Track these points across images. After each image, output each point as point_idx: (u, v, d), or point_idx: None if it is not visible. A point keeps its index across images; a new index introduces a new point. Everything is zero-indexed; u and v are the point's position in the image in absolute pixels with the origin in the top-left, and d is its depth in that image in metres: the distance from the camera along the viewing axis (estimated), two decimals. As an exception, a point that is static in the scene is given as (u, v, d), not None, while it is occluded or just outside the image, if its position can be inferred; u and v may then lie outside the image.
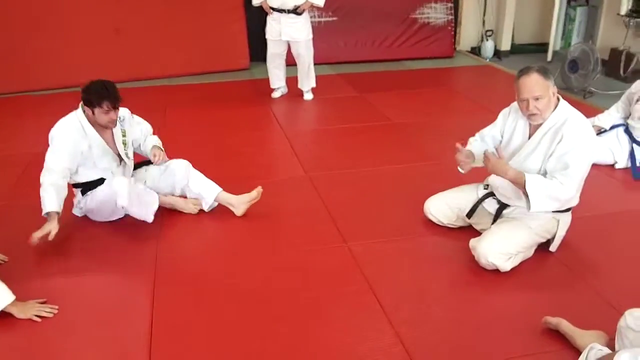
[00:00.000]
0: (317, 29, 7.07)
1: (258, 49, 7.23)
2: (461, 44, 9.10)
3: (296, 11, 6.07)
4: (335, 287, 3.07)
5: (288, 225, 3.66)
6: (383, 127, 5.63)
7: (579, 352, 2.43)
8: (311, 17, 6.55)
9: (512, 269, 3.10)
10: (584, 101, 6.30)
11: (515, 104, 3.22)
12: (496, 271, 3.09)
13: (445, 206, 3.55)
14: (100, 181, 3.61)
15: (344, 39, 8.29)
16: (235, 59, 7.97)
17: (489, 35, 8.76)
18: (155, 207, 3.59)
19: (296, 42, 6.27)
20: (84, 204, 3.69)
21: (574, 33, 8.48)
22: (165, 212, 3.67)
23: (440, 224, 3.58)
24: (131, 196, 3.44)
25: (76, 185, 3.67)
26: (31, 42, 7.09)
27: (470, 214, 3.45)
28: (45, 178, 3.37)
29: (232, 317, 2.86)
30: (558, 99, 3.09)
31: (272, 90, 6.75)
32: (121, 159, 3.67)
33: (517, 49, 8.91)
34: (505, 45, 8.83)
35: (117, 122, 3.56)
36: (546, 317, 2.67)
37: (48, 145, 3.23)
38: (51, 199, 3.29)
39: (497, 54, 8.77)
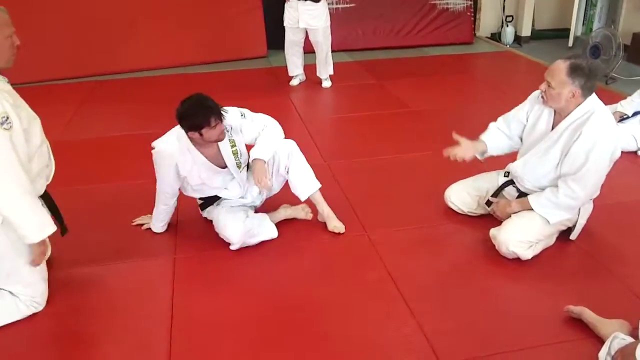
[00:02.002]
0: (334, 16, 7.03)
1: (276, 37, 7.21)
2: (481, 30, 9.01)
3: (314, -2, 6.05)
4: (356, 276, 3.07)
5: (307, 214, 3.65)
6: (402, 115, 5.60)
7: (602, 341, 2.42)
8: (329, 4, 6.51)
9: (533, 258, 3.08)
10: (606, 87, 6.21)
11: None
12: (517, 260, 3.07)
13: (466, 194, 3.52)
14: (216, 197, 3.48)
15: (361, 26, 8.24)
16: (253, 47, 7.96)
17: (509, 21, 8.67)
18: (263, 238, 3.40)
19: (314, 30, 6.24)
20: (206, 213, 3.57)
21: (595, 18, 8.35)
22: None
23: (461, 212, 3.56)
24: (242, 240, 3.30)
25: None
26: (49, 34, 7.12)
27: (489, 202, 3.42)
28: (157, 200, 3.45)
29: (251, 305, 2.87)
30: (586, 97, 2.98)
31: (290, 78, 6.75)
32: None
33: (537, 35, 8.80)
34: (526, 31, 8.73)
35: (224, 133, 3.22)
36: (569, 306, 2.64)
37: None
38: (157, 224, 3.54)
39: (518, 39, 8.68)
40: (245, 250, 3.33)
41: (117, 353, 2.59)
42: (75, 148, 4.99)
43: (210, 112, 3.02)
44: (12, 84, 2.89)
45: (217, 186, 3.40)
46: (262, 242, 3.38)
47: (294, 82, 6.74)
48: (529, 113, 3.30)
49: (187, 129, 3.07)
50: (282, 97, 6.28)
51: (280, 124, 3.49)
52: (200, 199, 3.53)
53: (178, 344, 2.62)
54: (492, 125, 3.48)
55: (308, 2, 6.07)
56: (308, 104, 6.25)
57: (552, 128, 3.12)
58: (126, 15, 7.37)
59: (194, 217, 3.64)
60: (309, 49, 6.54)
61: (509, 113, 3.42)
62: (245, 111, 3.39)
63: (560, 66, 2.91)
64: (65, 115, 5.82)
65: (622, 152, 4.12)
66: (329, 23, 6.30)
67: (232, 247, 3.30)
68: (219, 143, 3.23)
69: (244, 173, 3.45)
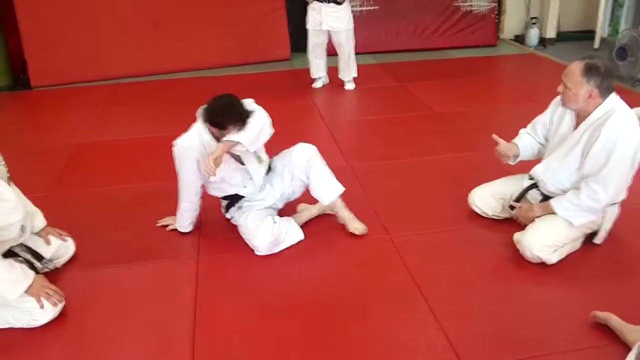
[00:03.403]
0: (357, 18, 7.02)
1: (299, 39, 7.22)
2: (505, 32, 8.94)
3: (337, 0, 6.05)
4: (378, 279, 3.06)
5: (329, 216, 3.64)
6: (425, 117, 5.58)
7: (628, 348, 2.38)
8: (352, 6, 6.50)
9: (558, 262, 3.05)
10: (633, 89, 6.14)
11: None
12: (542, 264, 3.04)
13: (490, 197, 3.50)
14: (237, 196, 3.49)
15: (385, 28, 8.23)
16: (276, 50, 7.97)
17: (534, 23, 8.59)
18: (290, 244, 3.41)
19: (337, 32, 6.25)
20: (233, 213, 3.55)
21: (622, 19, 8.24)
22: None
23: (485, 215, 3.53)
24: (270, 248, 3.32)
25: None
26: (71, 36, 7.22)
27: (513, 207, 3.40)
28: (180, 198, 3.48)
29: (273, 307, 2.88)
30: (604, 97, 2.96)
31: (313, 80, 6.75)
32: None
33: (562, 37, 8.71)
34: (551, 33, 8.64)
35: None
36: (595, 311, 2.61)
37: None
38: (179, 223, 3.56)
39: (542, 42, 8.59)
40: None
41: (140, 354, 2.61)
42: (99, 150, 5.05)
43: (233, 119, 3.07)
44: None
45: (236, 184, 3.41)
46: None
47: (317, 85, 6.74)
48: (552, 116, 3.29)
49: (211, 123, 3.14)
50: (305, 100, 6.29)
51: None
52: (224, 198, 3.54)
53: (201, 345, 2.63)
54: (521, 130, 3.49)
55: (331, 4, 6.08)
56: (331, 107, 6.25)
57: (574, 130, 3.10)
58: (149, 18, 7.42)
59: (217, 218, 3.66)
60: (332, 52, 6.54)
61: (536, 118, 3.42)
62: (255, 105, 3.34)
63: (576, 67, 2.92)
64: (90, 118, 5.89)
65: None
66: (352, 25, 6.30)
67: (257, 253, 3.32)
68: None
69: (262, 170, 3.44)
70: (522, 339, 2.58)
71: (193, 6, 7.55)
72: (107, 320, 2.82)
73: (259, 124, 3.19)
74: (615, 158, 2.87)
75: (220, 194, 3.52)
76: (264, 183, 3.49)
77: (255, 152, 3.31)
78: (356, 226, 3.47)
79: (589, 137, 2.97)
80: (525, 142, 3.42)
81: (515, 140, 3.44)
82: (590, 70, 2.87)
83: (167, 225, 3.62)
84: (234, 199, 3.50)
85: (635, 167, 3.01)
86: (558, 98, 3.24)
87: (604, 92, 2.91)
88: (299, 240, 3.42)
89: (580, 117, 3.08)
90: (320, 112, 5.86)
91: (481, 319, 2.72)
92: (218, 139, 3.18)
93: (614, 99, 2.96)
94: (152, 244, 3.47)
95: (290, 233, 3.40)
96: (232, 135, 3.10)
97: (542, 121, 3.36)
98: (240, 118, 3.09)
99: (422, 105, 5.91)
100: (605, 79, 2.89)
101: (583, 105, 2.96)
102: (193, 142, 3.24)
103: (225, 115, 3.10)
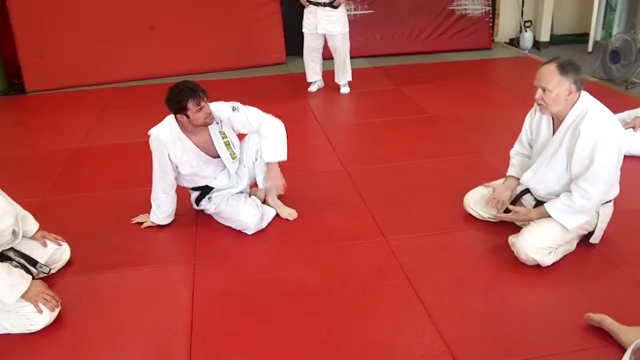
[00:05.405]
0: (353, 22, 7.04)
1: (294, 43, 7.24)
2: (499, 36, 8.98)
3: (332, 4, 6.07)
4: (374, 282, 3.07)
5: (326, 219, 3.66)
6: (421, 120, 5.59)
7: (623, 349, 2.39)
8: (347, 10, 6.53)
9: (553, 263, 3.06)
10: (626, 92, 6.17)
11: None
12: (537, 266, 3.05)
13: (485, 200, 3.51)
14: (207, 188, 3.62)
15: (380, 31, 8.26)
16: (272, 54, 8.00)
17: (528, 26, 8.63)
18: (269, 219, 3.64)
19: (332, 36, 6.27)
20: (204, 205, 3.66)
21: (615, 23, 8.28)
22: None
23: (481, 217, 3.55)
24: (259, 224, 3.54)
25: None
26: (67, 40, 7.23)
27: (507, 210, 3.41)
28: (153, 190, 3.56)
29: (270, 310, 2.88)
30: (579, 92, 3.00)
31: (309, 84, 6.77)
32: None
33: (556, 40, 8.76)
34: (545, 36, 8.68)
35: (213, 121, 3.39)
36: (588, 313, 2.62)
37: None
38: (155, 215, 3.61)
39: (536, 45, 8.64)
40: (264, 256, 3.36)
41: (137, 359, 2.61)
42: (95, 154, 5.05)
43: (191, 92, 3.21)
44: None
45: (207, 175, 3.54)
46: (283, 249, 3.42)
47: (313, 89, 6.76)
48: (531, 126, 3.34)
49: (174, 111, 3.28)
50: (301, 103, 6.31)
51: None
52: (193, 189, 3.65)
53: (198, 350, 2.63)
54: (511, 153, 3.52)
55: (327, 8, 6.11)
56: (326, 110, 6.26)
57: (553, 134, 3.12)
58: (145, 22, 7.44)
59: (213, 224, 3.66)
60: (327, 55, 6.56)
61: (519, 135, 3.47)
62: (239, 105, 3.52)
63: (549, 68, 2.96)
64: (86, 122, 5.90)
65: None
66: (347, 29, 6.32)
67: (248, 232, 3.49)
68: (211, 134, 3.41)
69: (236, 164, 3.59)
70: (518, 341, 2.59)
71: (188, 10, 7.56)
72: (103, 326, 2.82)
73: (277, 132, 3.53)
74: (600, 154, 2.89)
75: (190, 185, 3.62)
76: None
77: (230, 149, 3.48)
78: (289, 211, 3.66)
79: (570, 137, 2.99)
80: (519, 166, 3.44)
81: (510, 170, 3.47)
82: (565, 68, 2.93)
83: (141, 223, 3.66)
84: (204, 191, 3.60)
85: (621, 160, 3.03)
86: (532, 109, 3.31)
87: (579, 86, 2.97)
88: (273, 215, 3.65)
89: (556, 122, 3.10)
90: (315, 116, 5.87)
91: (478, 321, 2.73)
92: (188, 129, 3.35)
93: (586, 97, 3.00)
94: (148, 249, 3.48)
95: (266, 208, 3.64)
96: (268, 156, 3.47)
97: (525, 132, 3.41)
98: (195, 93, 3.21)
99: (417, 109, 5.93)
100: (578, 73, 2.96)
101: (563, 105, 2.98)
102: (164, 134, 3.37)
103: (179, 95, 3.22)
